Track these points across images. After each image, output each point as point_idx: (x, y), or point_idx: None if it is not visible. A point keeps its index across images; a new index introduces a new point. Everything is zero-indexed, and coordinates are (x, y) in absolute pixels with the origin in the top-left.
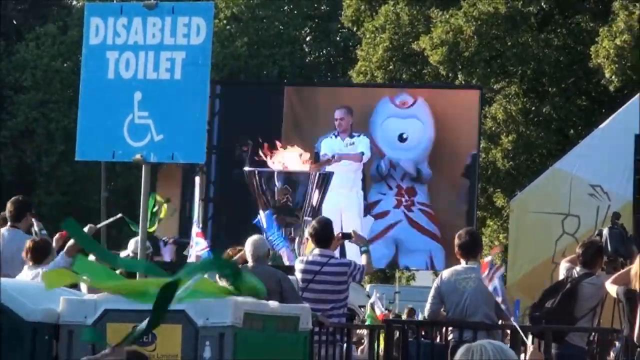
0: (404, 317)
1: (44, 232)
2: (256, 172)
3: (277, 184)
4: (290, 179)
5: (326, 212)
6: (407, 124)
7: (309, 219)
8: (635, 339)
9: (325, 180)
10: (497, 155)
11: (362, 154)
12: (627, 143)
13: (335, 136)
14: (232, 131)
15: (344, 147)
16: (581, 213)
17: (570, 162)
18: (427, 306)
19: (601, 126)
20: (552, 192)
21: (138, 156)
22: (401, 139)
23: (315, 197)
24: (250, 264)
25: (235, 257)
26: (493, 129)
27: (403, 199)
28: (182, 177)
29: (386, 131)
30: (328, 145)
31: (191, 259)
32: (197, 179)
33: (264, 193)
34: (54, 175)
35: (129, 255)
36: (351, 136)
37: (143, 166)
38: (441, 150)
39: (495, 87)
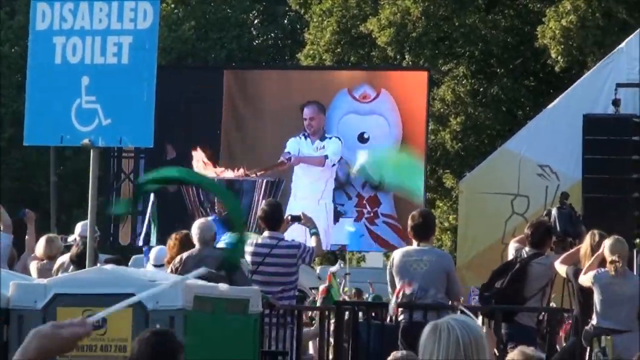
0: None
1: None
2: None
3: None
4: (233, 187)
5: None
6: (369, 121)
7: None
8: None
9: (274, 189)
10: (446, 137)
11: (326, 157)
12: (575, 123)
13: (305, 137)
14: (165, 129)
15: (313, 151)
16: (530, 193)
17: (518, 142)
18: (389, 289)
19: (549, 107)
20: (501, 173)
21: (86, 141)
22: (362, 139)
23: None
24: (197, 247)
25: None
26: (441, 110)
27: (365, 211)
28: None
29: (345, 130)
30: (293, 147)
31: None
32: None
33: (202, 204)
34: (2, 161)
35: (75, 239)
36: (322, 139)
37: (91, 151)
38: (407, 148)
39: (443, 68)
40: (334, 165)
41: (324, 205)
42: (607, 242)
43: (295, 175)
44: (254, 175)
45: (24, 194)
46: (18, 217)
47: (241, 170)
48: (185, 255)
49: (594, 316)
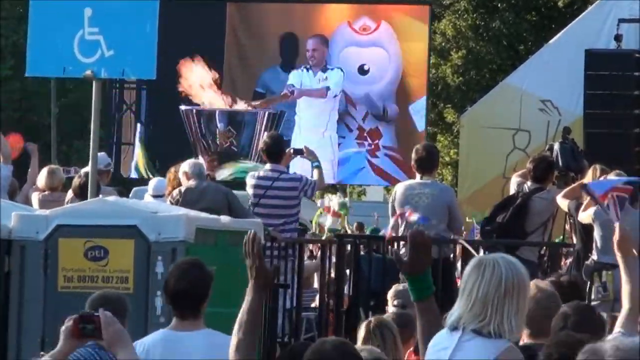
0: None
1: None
2: (194, 111)
3: (219, 125)
4: (235, 119)
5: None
6: (369, 53)
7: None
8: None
9: (276, 120)
10: (447, 71)
11: (327, 89)
12: (577, 58)
13: (307, 69)
14: (168, 61)
15: (316, 84)
16: (531, 128)
17: (520, 77)
18: (391, 223)
19: (551, 41)
20: (503, 108)
21: (88, 72)
22: (362, 71)
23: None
24: (192, 182)
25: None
26: (443, 44)
27: (365, 143)
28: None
29: (345, 62)
30: (296, 78)
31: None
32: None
33: (204, 136)
34: (3, 91)
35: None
36: (324, 70)
37: (94, 82)
38: (408, 81)
39: (444, 2)
40: (335, 96)
41: (328, 138)
42: (608, 178)
43: (298, 108)
44: (256, 106)
45: (24, 125)
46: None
47: (243, 103)
48: (184, 187)
49: (594, 251)
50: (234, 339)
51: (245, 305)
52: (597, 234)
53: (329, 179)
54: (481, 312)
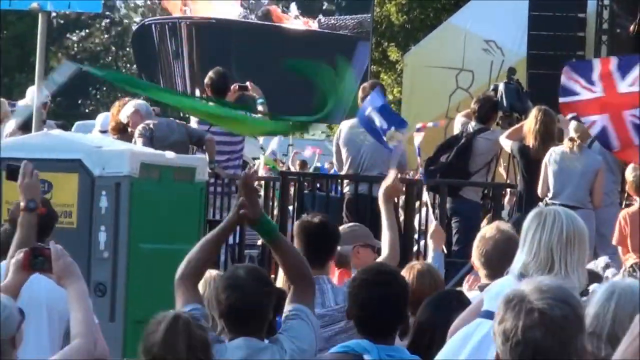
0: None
1: None
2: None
3: None
4: None
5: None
6: None
7: None
8: (540, 194)
9: None
10: (392, 10)
11: None
12: None
13: None
14: None
15: None
16: (475, 68)
17: (464, 17)
18: (334, 161)
19: None
20: (446, 47)
21: (35, 4)
22: None
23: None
24: (155, 118)
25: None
26: None
27: None
28: None
29: None
30: None
31: None
32: None
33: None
34: None
35: (27, 104)
36: None
37: (39, 15)
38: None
39: None
40: None
41: None
42: (573, 122)
43: None
44: None
45: None
46: None
47: None
48: (150, 122)
49: (548, 194)
50: (194, 251)
51: (220, 226)
52: (550, 173)
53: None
54: (547, 261)
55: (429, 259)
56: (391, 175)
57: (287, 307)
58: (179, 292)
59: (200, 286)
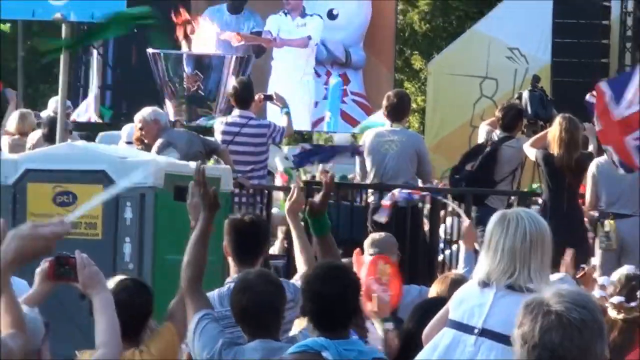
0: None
1: None
2: (161, 54)
3: (186, 69)
4: (202, 63)
5: (270, 105)
6: None
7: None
8: (587, 205)
9: (243, 65)
10: (414, 18)
11: (309, 38)
12: (545, 5)
13: (286, 14)
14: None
15: (294, 29)
16: (499, 76)
17: (488, 24)
18: (358, 170)
19: None
20: (470, 55)
21: (58, 15)
22: (331, 15)
23: (231, 84)
24: (177, 129)
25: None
26: None
27: None
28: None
29: (314, 7)
30: (275, 23)
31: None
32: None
33: (171, 80)
34: None
35: (49, 115)
36: (303, 16)
37: (63, 25)
38: (376, 28)
39: None
40: (316, 44)
41: (306, 83)
42: None
43: (276, 53)
44: (243, 39)
45: None
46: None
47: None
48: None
49: (600, 204)
50: (185, 257)
51: (197, 227)
52: (600, 187)
53: (306, 126)
54: (509, 266)
55: (461, 260)
56: (295, 189)
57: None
58: (187, 300)
59: None
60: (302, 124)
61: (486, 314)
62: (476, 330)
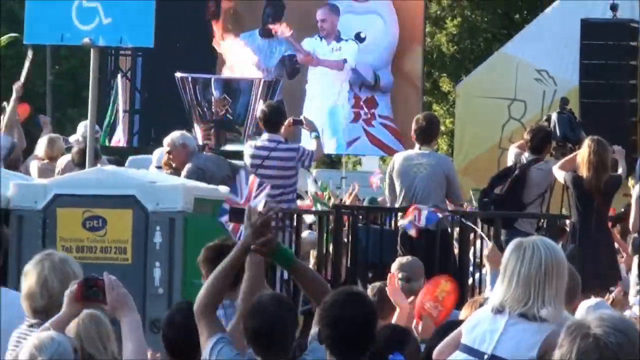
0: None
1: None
2: (190, 78)
3: (215, 92)
4: (230, 86)
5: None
6: (366, 20)
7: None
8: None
9: (271, 88)
10: (442, 40)
11: (345, 61)
12: (572, 27)
13: (321, 38)
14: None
15: (329, 53)
16: (527, 98)
17: (516, 46)
18: (386, 193)
19: (546, 10)
20: (498, 77)
21: (86, 39)
22: (359, 38)
23: (260, 108)
24: (206, 154)
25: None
26: (438, 12)
27: (362, 112)
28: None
29: (342, 30)
30: (310, 46)
31: None
32: (120, 82)
33: (199, 104)
34: None
35: (78, 139)
36: (338, 40)
37: (92, 50)
38: (404, 50)
39: None
40: (351, 68)
41: (340, 107)
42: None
43: (310, 76)
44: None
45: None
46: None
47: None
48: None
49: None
50: (208, 280)
51: (229, 256)
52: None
53: (339, 149)
54: (524, 294)
55: (488, 282)
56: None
57: (313, 329)
58: (201, 325)
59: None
60: (336, 147)
61: (496, 341)
62: (486, 357)
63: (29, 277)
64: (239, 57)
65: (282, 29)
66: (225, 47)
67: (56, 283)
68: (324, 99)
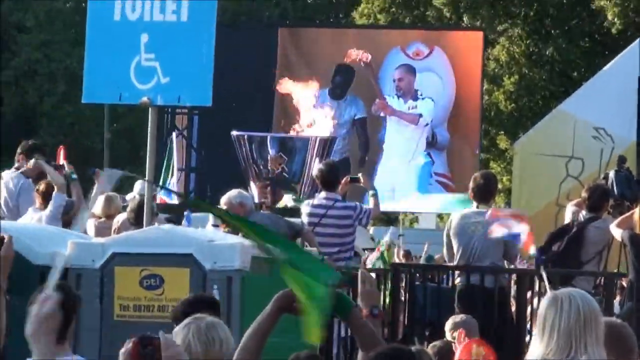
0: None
1: (74, 176)
2: (245, 136)
3: (271, 150)
4: (285, 144)
5: (378, 186)
6: (422, 78)
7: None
8: None
9: (327, 146)
10: (500, 97)
11: (420, 116)
12: (630, 85)
13: (398, 97)
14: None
15: (406, 111)
16: (585, 156)
17: (573, 104)
18: (445, 252)
19: (605, 68)
20: (556, 135)
21: (145, 99)
22: (416, 97)
23: (316, 166)
24: (263, 212)
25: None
26: (496, 70)
27: None
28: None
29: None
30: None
31: None
32: (174, 141)
33: (255, 162)
34: (55, 116)
35: (135, 197)
36: (415, 98)
37: (150, 109)
38: (461, 108)
39: (498, 28)
40: (426, 125)
41: (415, 166)
42: None
43: (388, 132)
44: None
45: (77, 149)
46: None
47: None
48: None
49: None
50: (241, 343)
51: (257, 319)
52: None
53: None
54: (566, 345)
55: None
56: None
57: None
58: None
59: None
60: (408, 206)
61: None
62: None
63: (176, 339)
64: (307, 100)
65: (360, 56)
66: (289, 88)
67: (199, 348)
68: (401, 157)
